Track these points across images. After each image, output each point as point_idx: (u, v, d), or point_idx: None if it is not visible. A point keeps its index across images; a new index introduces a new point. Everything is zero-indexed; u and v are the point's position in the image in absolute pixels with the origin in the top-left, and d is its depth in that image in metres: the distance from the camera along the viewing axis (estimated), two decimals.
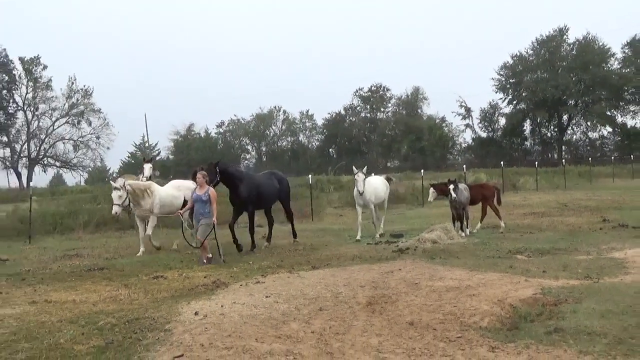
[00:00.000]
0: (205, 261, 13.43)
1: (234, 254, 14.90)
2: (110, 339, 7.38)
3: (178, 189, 16.88)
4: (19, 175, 64.53)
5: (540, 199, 28.82)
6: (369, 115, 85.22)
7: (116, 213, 15.47)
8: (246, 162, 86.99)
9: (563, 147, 76.83)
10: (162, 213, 16.14)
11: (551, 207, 25.25)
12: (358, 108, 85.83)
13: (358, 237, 17.18)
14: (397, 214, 25.01)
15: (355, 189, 17.24)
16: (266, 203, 16.93)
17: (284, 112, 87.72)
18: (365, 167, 17.93)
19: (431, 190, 18.31)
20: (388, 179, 20.01)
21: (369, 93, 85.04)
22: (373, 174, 20.13)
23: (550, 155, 74.36)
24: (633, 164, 49.77)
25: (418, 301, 8.50)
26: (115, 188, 15.14)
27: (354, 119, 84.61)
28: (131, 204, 15.68)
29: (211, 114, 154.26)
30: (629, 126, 74.43)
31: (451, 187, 16.64)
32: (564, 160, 56.53)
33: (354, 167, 17.46)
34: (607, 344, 6.31)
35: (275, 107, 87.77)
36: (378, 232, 17.64)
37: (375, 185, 17.90)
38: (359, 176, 16.82)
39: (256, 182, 16.31)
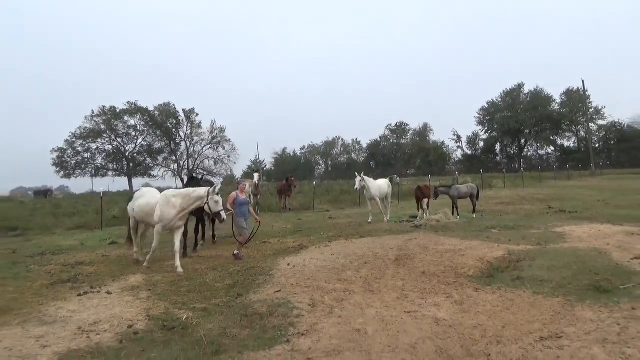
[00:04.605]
0: (240, 256, 9.57)
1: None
2: (236, 280, 7.58)
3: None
4: (182, 181, 66.72)
5: (506, 194, 27.78)
6: (395, 141, 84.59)
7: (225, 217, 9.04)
8: (318, 171, 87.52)
9: (521, 160, 74.87)
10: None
11: (514, 199, 24.37)
12: (388, 136, 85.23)
13: (369, 220, 15.88)
14: (412, 204, 24.58)
15: (365, 188, 15.96)
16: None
17: (342, 139, 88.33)
18: (363, 172, 16.43)
19: (387, 179, 17.23)
20: (391, 179, 18.40)
21: (395, 127, 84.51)
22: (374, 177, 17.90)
23: (513, 165, 72.25)
24: (568, 171, 48.28)
25: (428, 258, 8.37)
26: (216, 193, 8.98)
27: (385, 143, 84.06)
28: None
29: (297, 140, 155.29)
30: (565, 146, 74.05)
31: (433, 190, 16.47)
32: (522, 169, 56.01)
33: (356, 173, 16.08)
34: (552, 288, 6.20)
35: (336, 136, 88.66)
36: (386, 218, 16.15)
37: (379, 184, 16.42)
38: (357, 178, 15.79)
39: None
